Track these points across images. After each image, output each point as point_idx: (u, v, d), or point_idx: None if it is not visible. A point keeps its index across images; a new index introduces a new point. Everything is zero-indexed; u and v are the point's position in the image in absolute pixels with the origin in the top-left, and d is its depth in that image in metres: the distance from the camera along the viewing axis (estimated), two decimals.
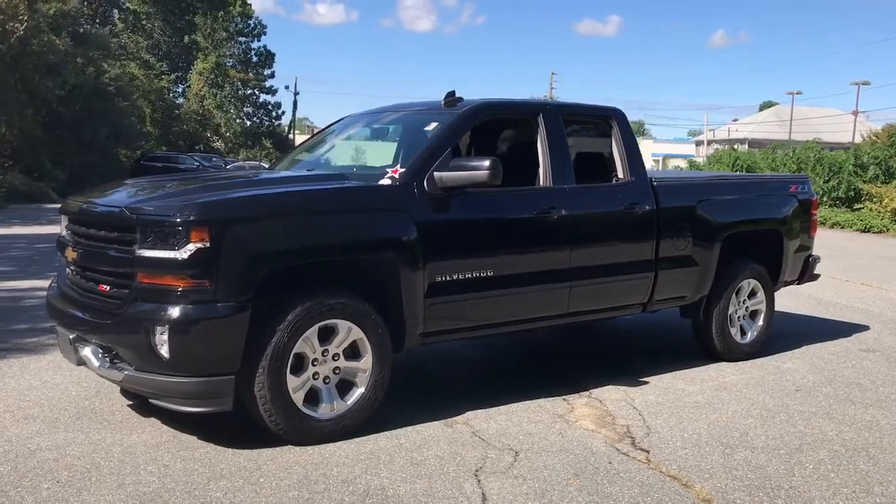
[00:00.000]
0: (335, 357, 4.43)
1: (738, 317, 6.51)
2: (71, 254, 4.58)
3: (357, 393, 4.49)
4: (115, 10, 49.41)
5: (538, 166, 5.43)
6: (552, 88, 70.76)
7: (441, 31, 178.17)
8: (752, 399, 5.43)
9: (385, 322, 4.59)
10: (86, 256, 4.42)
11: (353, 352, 4.49)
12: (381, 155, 5.88)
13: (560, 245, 5.31)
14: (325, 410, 4.38)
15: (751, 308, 6.62)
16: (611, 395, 5.44)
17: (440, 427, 4.67)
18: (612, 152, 5.89)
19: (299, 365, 4.32)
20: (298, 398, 4.27)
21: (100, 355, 4.23)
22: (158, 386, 4.05)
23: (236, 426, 4.39)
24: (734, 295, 6.40)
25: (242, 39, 66.41)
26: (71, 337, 4.38)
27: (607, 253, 5.60)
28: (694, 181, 6.66)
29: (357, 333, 4.44)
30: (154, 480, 3.76)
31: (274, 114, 66.81)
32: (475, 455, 4.23)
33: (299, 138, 64.30)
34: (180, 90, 62.24)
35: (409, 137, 5.47)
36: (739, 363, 6.38)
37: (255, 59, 66.76)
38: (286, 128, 71.39)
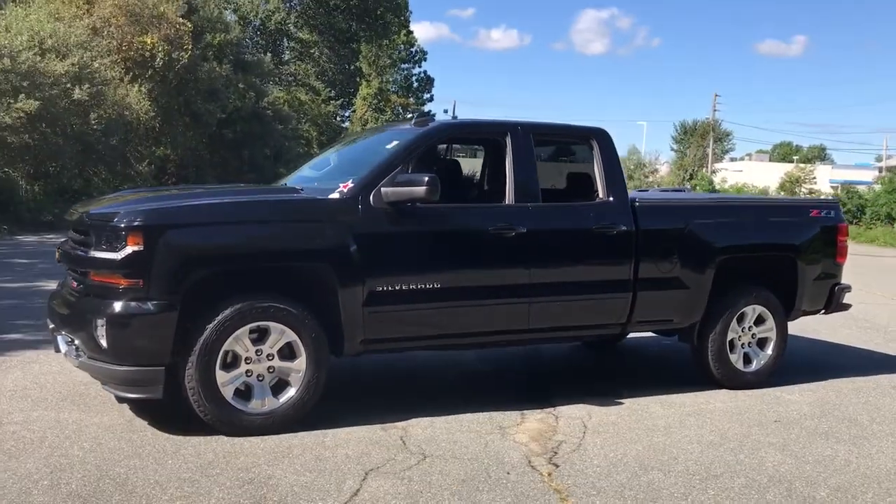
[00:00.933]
0: (269, 357, 4.78)
1: (742, 344, 6.31)
2: (61, 256, 5.23)
3: (290, 392, 4.82)
4: (285, 39, 52.92)
5: (505, 185, 5.57)
6: (715, 111, 68.47)
7: (614, 54, 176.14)
8: (716, 426, 5.30)
9: (323, 327, 4.89)
10: (66, 257, 5.04)
11: (290, 353, 4.83)
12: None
13: (518, 261, 5.42)
14: (256, 406, 4.74)
15: (758, 335, 6.39)
16: (572, 412, 5.47)
17: (374, 430, 4.91)
18: (592, 172, 5.91)
19: (234, 362, 4.71)
20: (228, 392, 4.66)
21: (66, 344, 4.82)
22: (102, 372, 4.58)
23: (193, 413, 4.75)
24: (734, 321, 6.21)
25: (405, 66, 69.07)
26: (51, 327, 5.02)
27: (575, 271, 5.65)
28: (685, 203, 6.54)
29: (290, 336, 4.78)
30: (78, 454, 4.25)
31: None
32: (383, 456, 4.43)
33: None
34: (346, 115, 65.49)
35: (370, 155, 5.76)
36: (738, 392, 6.19)
37: (415, 84, 69.15)
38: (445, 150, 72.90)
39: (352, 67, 62.96)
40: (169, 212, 4.66)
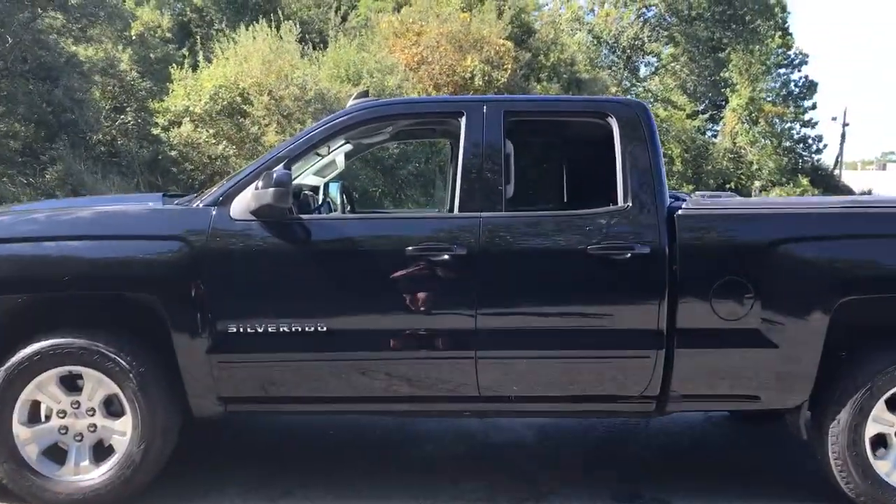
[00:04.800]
0: (90, 412, 3.78)
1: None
2: None
3: (113, 460, 3.76)
4: (641, 54, 51.57)
5: (450, 186, 3.93)
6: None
7: None
8: None
9: (165, 378, 3.77)
10: None
11: (121, 408, 3.79)
12: None
13: (456, 297, 3.75)
14: (67, 473, 3.77)
15: None
16: None
17: None
18: (609, 167, 3.96)
19: (48, 415, 3.80)
20: (31, 452, 3.76)
21: None
22: None
23: None
24: (880, 402, 3.76)
25: (782, 72, 63.54)
26: None
27: (555, 313, 3.78)
28: (771, 209, 4.11)
29: (110, 387, 3.74)
30: None
31: (814, 147, 62.16)
32: None
33: (846, 175, 59.06)
34: (716, 128, 62.01)
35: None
36: None
37: (795, 90, 63.23)
38: (834, 162, 65.72)
39: (717, 78, 59.19)
40: None
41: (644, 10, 50.78)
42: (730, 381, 3.91)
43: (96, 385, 3.83)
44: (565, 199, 5.26)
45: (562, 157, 5.38)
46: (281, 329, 3.82)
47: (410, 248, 3.81)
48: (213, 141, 16.40)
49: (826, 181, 57.63)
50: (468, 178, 3.94)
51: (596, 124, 4.24)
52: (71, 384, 3.85)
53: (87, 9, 14.86)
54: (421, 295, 3.87)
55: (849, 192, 57.75)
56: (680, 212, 3.90)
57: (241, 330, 3.82)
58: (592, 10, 52.38)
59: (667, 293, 3.82)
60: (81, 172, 15.68)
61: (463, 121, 4.07)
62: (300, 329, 3.81)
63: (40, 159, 15.53)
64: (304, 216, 3.98)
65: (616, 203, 4.00)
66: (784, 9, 58.37)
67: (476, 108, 4.06)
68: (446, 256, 3.81)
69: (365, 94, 4.52)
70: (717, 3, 51.21)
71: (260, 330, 3.81)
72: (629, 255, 3.82)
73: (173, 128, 16.73)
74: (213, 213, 3.91)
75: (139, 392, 3.78)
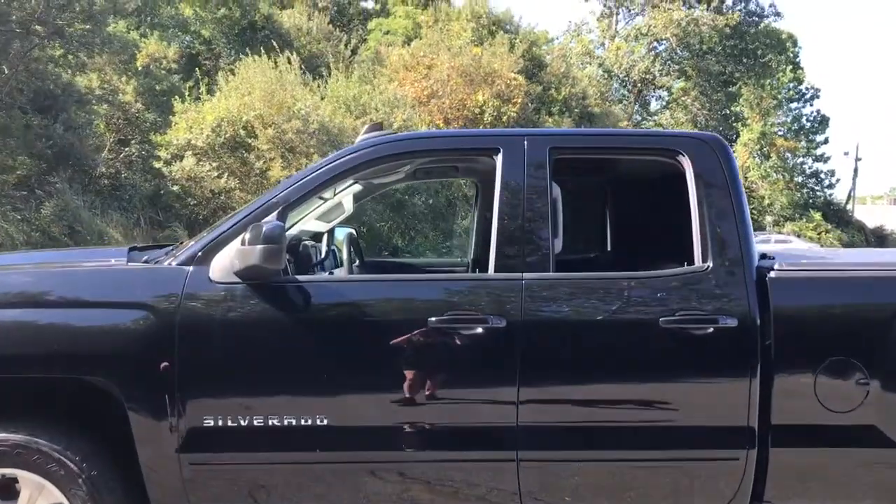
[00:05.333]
0: None
1: None
2: None
3: None
4: (651, 88, 51.23)
5: (485, 239, 3.19)
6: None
7: None
8: None
9: (122, 483, 2.97)
10: None
11: None
12: None
13: (493, 382, 2.98)
14: None
15: None
16: None
17: None
18: (681, 216, 3.17)
19: None
20: None
21: None
22: None
23: None
24: None
25: (794, 106, 63.30)
26: None
27: (618, 404, 3.00)
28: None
29: (53, 495, 2.94)
30: None
31: (827, 182, 61.67)
32: None
33: (859, 210, 58.58)
34: None
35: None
36: None
37: (806, 125, 62.89)
38: (847, 197, 65.17)
39: (728, 112, 58.79)
40: None
41: (655, 43, 50.56)
42: (839, 491, 3.08)
43: (35, 492, 3.03)
44: (612, 255, 4.47)
45: (611, 202, 4.57)
46: (271, 422, 3.02)
47: (434, 318, 3.03)
48: (216, 174, 15.75)
49: (838, 216, 56.96)
50: (506, 229, 3.17)
51: (660, 163, 3.46)
52: (4, 491, 3.05)
53: (86, 38, 14.25)
54: (447, 379, 3.07)
55: (863, 227, 57.03)
56: (773, 274, 3.11)
57: (221, 423, 3.02)
58: (603, 44, 52.22)
59: (759, 378, 3.02)
60: (78, 208, 15.04)
61: (499, 159, 3.30)
62: (295, 423, 3.02)
63: (36, 194, 14.94)
64: (301, 277, 3.19)
65: (691, 262, 3.21)
66: (795, 43, 58.32)
67: (515, 145, 3.30)
68: (480, 330, 3.02)
69: (378, 126, 3.76)
70: (728, 38, 50.99)
71: (244, 423, 3.01)
72: (711, 329, 3.02)
73: (175, 161, 16.10)
74: (189, 273, 3.14)
75: (90, 501, 2.98)
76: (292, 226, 4.29)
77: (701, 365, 3.10)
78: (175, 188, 16.14)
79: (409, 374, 3.04)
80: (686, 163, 3.31)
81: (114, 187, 16.87)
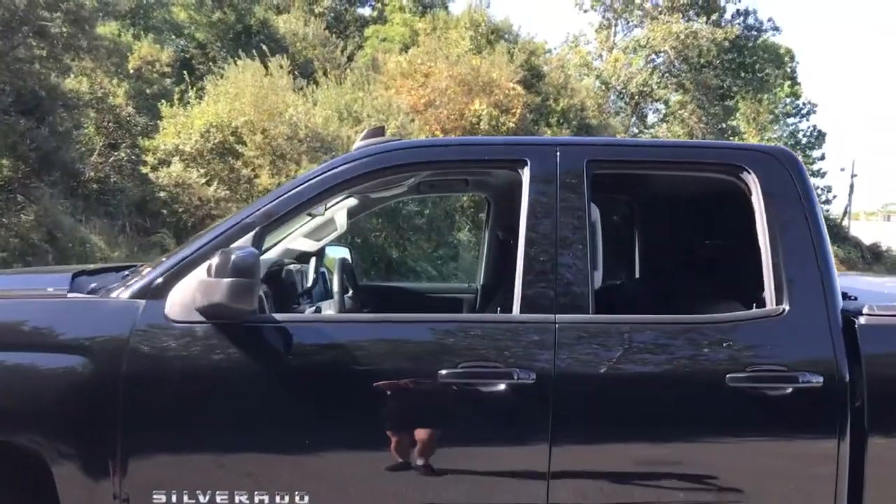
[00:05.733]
0: None
1: None
2: None
3: None
4: (649, 101, 50.86)
5: (505, 273, 2.60)
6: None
7: None
8: None
9: None
10: None
11: None
12: None
13: (519, 453, 2.39)
14: None
15: None
16: None
17: None
18: (748, 246, 2.58)
19: None
20: None
21: None
22: None
23: None
24: None
25: (791, 121, 63.34)
26: None
27: (674, 480, 2.40)
28: None
29: None
30: None
31: (824, 198, 61.75)
32: None
33: (854, 225, 58.78)
34: None
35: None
36: None
37: (803, 140, 62.97)
38: (843, 213, 65.10)
39: (725, 126, 58.59)
40: None
41: (653, 56, 50.31)
42: None
43: None
44: (640, 284, 3.89)
45: (641, 222, 3.97)
46: (238, 499, 2.41)
47: (444, 371, 2.43)
48: (204, 181, 15.15)
49: (834, 232, 56.76)
50: (535, 260, 2.57)
51: (712, 181, 2.88)
52: None
53: (70, 41, 13.65)
54: (460, 448, 2.47)
55: (859, 244, 56.88)
56: (863, 319, 2.53)
57: (175, 499, 2.41)
58: (601, 56, 51.94)
59: (849, 448, 2.44)
60: (60, 214, 14.41)
61: (526, 173, 2.72)
62: (268, 500, 2.41)
63: (18, 199, 14.31)
64: (280, 316, 2.59)
65: (749, 301, 2.63)
66: (793, 58, 58.29)
67: (546, 156, 2.71)
68: (502, 386, 2.43)
69: (379, 131, 3.15)
70: (726, 51, 50.75)
71: (204, 500, 2.41)
72: (790, 389, 2.44)
73: (162, 167, 15.51)
74: (141, 308, 2.55)
75: None
76: (275, 244, 3.70)
77: (775, 435, 2.51)
78: (162, 194, 15.54)
79: (411, 441, 2.45)
80: (752, 181, 2.73)
81: (101, 192, 16.30)
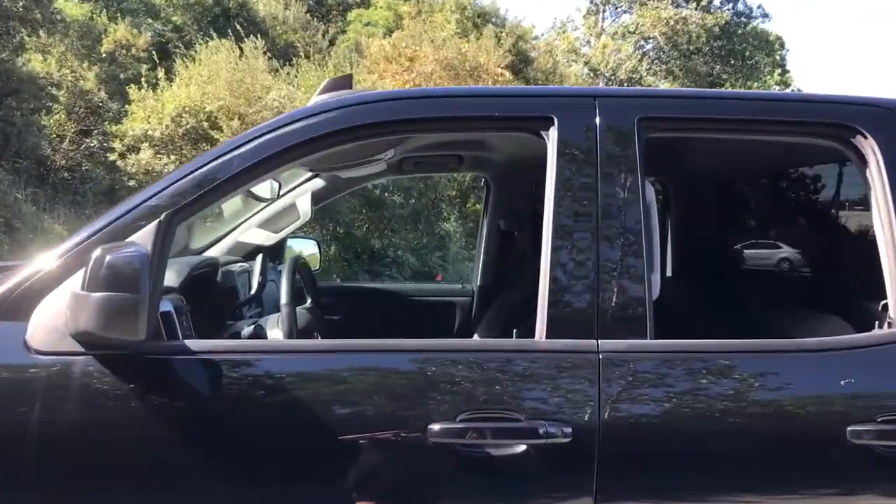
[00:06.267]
0: None
1: None
2: None
3: None
4: (638, 87, 50.46)
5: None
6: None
7: None
8: None
9: None
10: None
11: None
12: None
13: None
14: None
15: None
16: None
17: None
18: (863, 236, 1.79)
19: None
20: None
21: None
22: None
23: None
24: None
25: None
26: None
27: None
28: None
29: None
30: None
31: None
32: None
33: None
34: None
35: None
36: None
37: None
38: None
39: None
40: None
41: (642, 42, 49.83)
42: None
43: None
44: (676, 283, 3.09)
45: (676, 204, 3.14)
46: None
47: (437, 426, 1.61)
48: (175, 169, 14.33)
49: None
50: (567, 260, 1.75)
51: (805, 149, 2.09)
52: None
53: (26, 13, 12.75)
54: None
55: None
56: None
57: None
58: (589, 42, 51.36)
59: None
60: (20, 202, 13.55)
61: (552, 136, 1.88)
62: None
63: None
64: (194, 344, 1.76)
65: (881, 318, 1.85)
66: (783, 45, 58.08)
67: (581, 112, 1.87)
68: (522, 448, 1.63)
69: (345, 81, 2.29)
70: (716, 38, 50.31)
71: None
72: None
73: (131, 154, 14.64)
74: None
75: None
76: (220, 238, 2.89)
77: None
78: (131, 183, 14.68)
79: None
80: (867, 146, 1.93)
81: (69, 180, 15.48)
